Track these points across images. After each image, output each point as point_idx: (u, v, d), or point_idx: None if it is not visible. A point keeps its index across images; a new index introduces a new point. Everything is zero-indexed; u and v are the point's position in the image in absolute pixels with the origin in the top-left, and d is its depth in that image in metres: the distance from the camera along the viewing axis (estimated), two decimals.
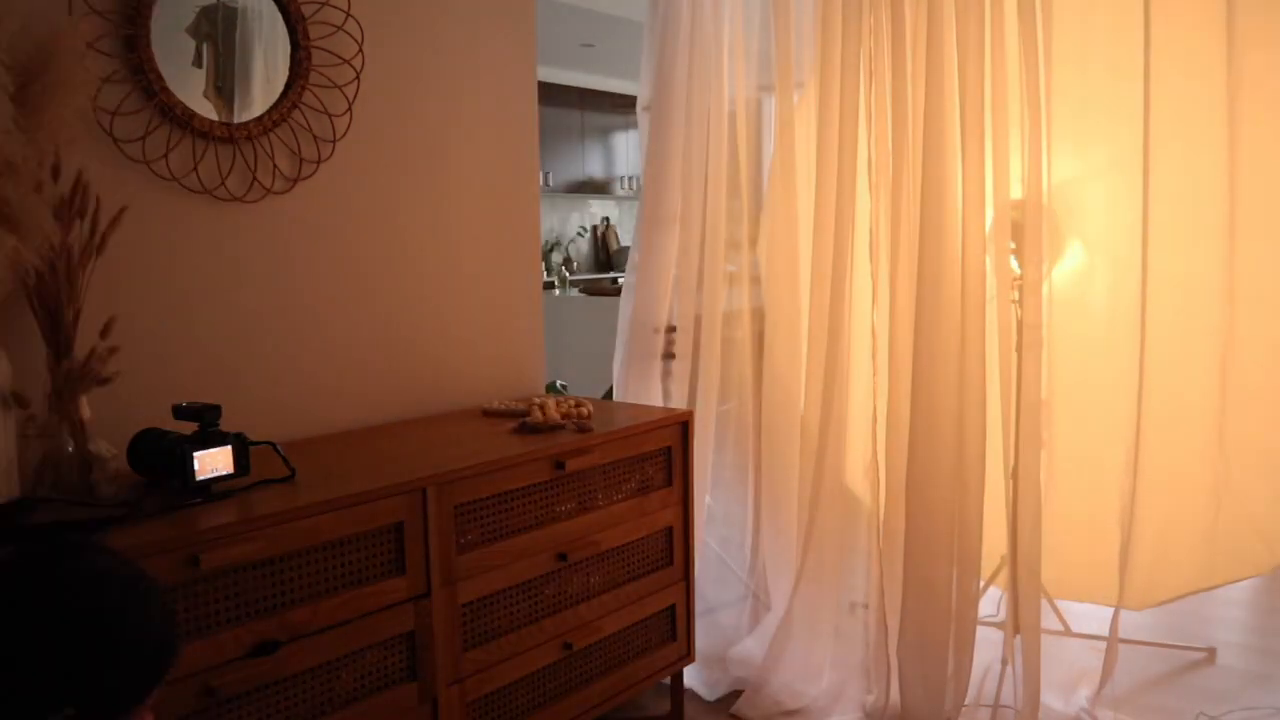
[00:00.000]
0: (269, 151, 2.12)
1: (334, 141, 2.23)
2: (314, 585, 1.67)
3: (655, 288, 2.87)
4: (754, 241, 2.87)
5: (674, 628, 2.44)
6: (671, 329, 2.89)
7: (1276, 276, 2.44)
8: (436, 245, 2.47)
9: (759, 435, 2.85)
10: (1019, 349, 2.35)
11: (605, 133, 8.31)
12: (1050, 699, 2.44)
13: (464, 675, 1.92)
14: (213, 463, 1.69)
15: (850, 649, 2.69)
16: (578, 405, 2.33)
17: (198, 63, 1.99)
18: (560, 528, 2.10)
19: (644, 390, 2.88)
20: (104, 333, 1.74)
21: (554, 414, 2.26)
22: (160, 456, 1.70)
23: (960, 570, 2.37)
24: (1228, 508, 2.53)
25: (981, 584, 2.54)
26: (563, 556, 2.10)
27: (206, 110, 2.00)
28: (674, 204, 2.83)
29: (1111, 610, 2.45)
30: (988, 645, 2.58)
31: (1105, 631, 2.44)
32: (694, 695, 2.65)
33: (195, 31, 1.99)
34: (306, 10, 2.15)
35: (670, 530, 2.40)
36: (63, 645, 1.00)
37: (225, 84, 2.04)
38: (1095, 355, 2.66)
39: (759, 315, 2.86)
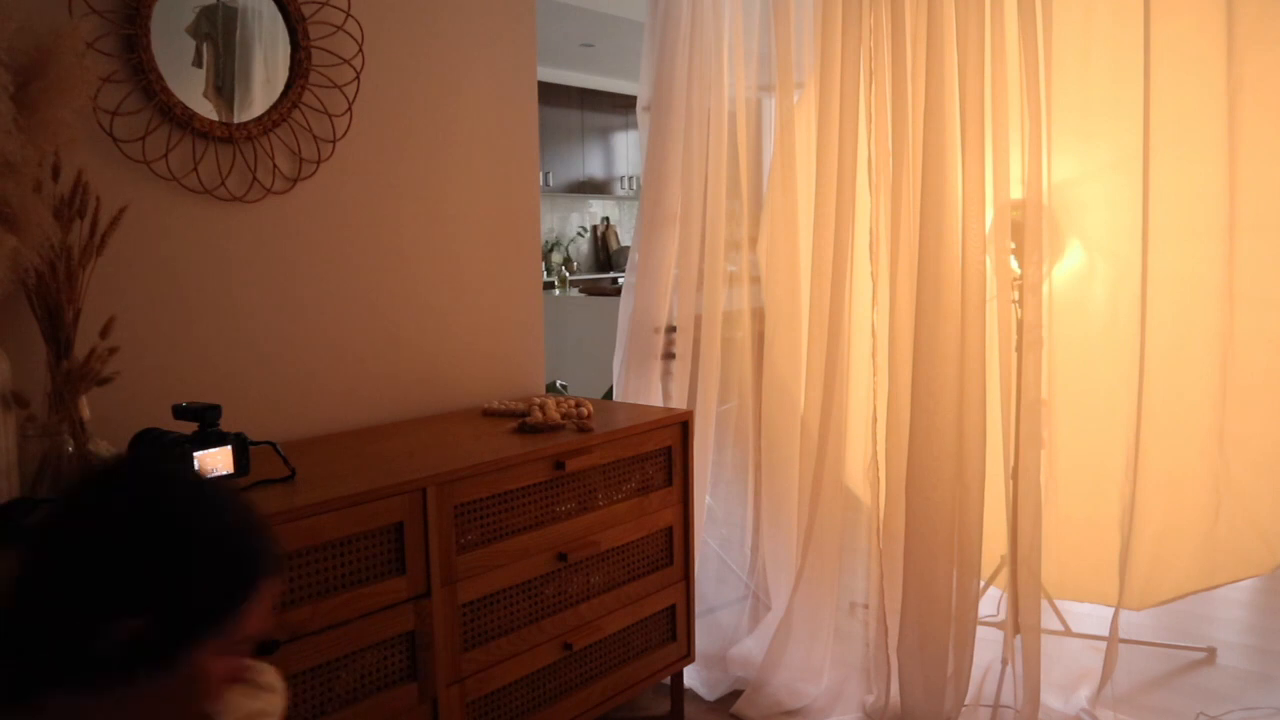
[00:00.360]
0: (269, 151, 2.12)
1: (334, 141, 2.23)
2: (314, 585, 1.67)
3: (655, 288, 2.87)
4: (754, 241, 2.87)
5: (674, 628, 2.44)
6: (671, 329, 2.89)
7: (1276, 276, 2.44)
8: (436, 245, 2.47)
9: (759, 435, 2.85)
10: (1019, 349, 2.35)
11: (605, 133, 8.31)
12: (1050, 699, 2.44)
13: (464, 675, 1.92)
14: (213, 463, 1.69)
15: (850, 649, 2.69)
16: (578, 405, 2.33)
17: (198, 63, 1.99)
18: (560, 528, 2.10)
19: (644, 390, 2.88)
20: (104, 333, 1.74)
21: (554, 414, 2.26)
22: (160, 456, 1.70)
23: (960, 570, 2.37)
24: (1228, 507, 2.53)
25: (981, 584, 2.54)
26: (563, 556, 2.10)
27: (206, 110, 2.00)
28: (674, 204, 2.84)
29: (1111, 610, 2.45)
30: (988, 645, 2.58)
31: (1105, 631, 2.44)
32: (694, 695, 2.65)
33: (195, 31, 1.99)
34: (306, 10, 2.15)
35: (670, 530, 2.40)
36: (142, 548, 0.92)
37: (225, 84, 2.04)
38: (1095, 355, 2.66)
39: (759, 315, 2.86)
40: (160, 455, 1.03)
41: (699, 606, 2.68)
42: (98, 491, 0.97)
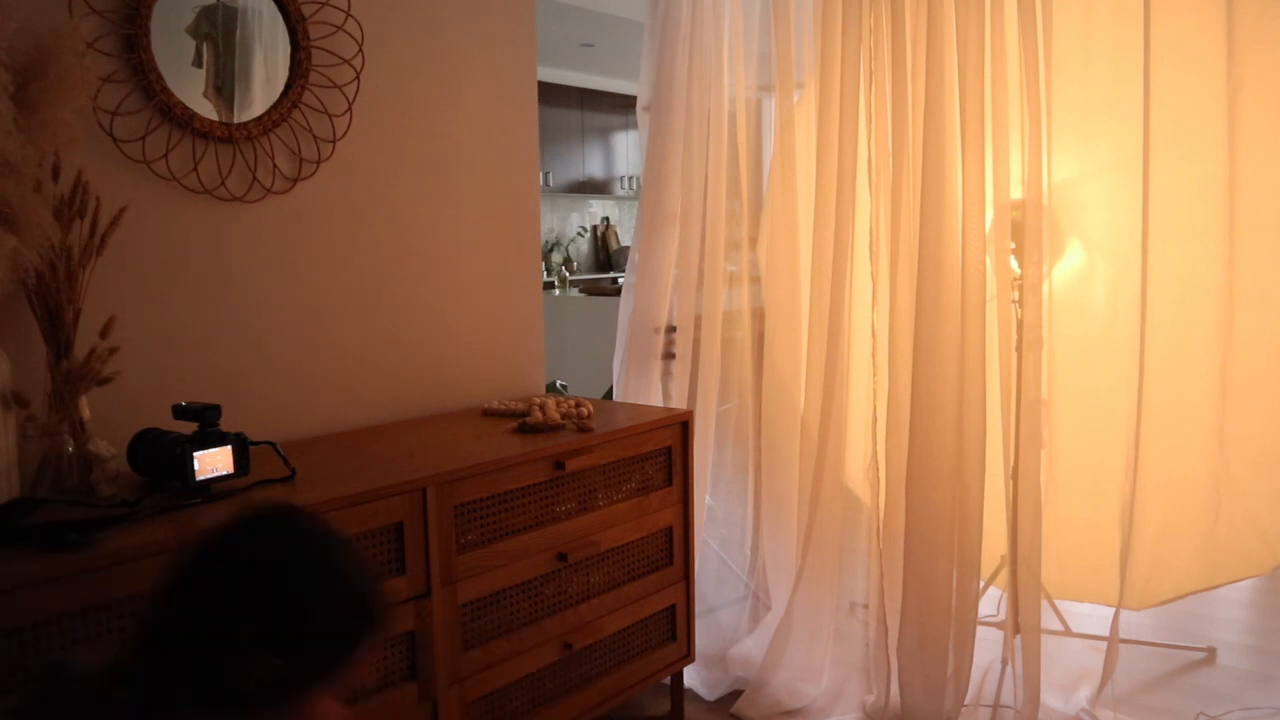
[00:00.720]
0: (269, 151, 2.12)
1: (334, 141, 2.23)
2: None
3: (655, 288, 2.87)
4: (754, 241, 2.87)
5: (674, 628, 2.44)
6: (671, 329, 2.89)
7: (1276, 276, 2.44)
8: (436, 245, 2.47)
9: (759, 435, 2.85)
10: (1019, 349, 2.35)
11: (605, 133, 8.31)
12: (1050, 699, 2.44)
13: (464, 675, 1.92)
14: (213, 463, 1.68)
15: (850, 649, 2.69)
16: (578, 405, 2.33)
17: (198, 63, 1.99)
18: (560, 528, 2.10)
19: (644, 390, 2.88)
20: (104, 333, 1.75)
21: (554, 414, 2.26)
22: (160, 456, 1.70)
23: (960, 570, 2.38)
24: (1228, 507, 2.53)
25: (981, 584, 2.54)
26: (563, 556, 2.10)
27: (206, 110, 2.00)
28: (674, 204, 2.84)
29: (1110, 610, 2.45)
30: (988, 645, 2.58)
31: (1105, 631, 2.44)
32: (694, 695, 2.65)
33: (195, 31, 1.99)
34: (306, 10, 2.15)
35: (670, 530, 2.40)
36: (290, 594, 1.02)
37: (225, 84, 2.04)
38: (1095, 355, 2.66)
39: (759, 315, 2.86)
40: (288, 511, 1.14)
41: (699, 606, 2.68)
42: (248, 539, 1.06)
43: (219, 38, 2.03)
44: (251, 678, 0.99)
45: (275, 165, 2.13)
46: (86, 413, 1.71)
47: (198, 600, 1.02)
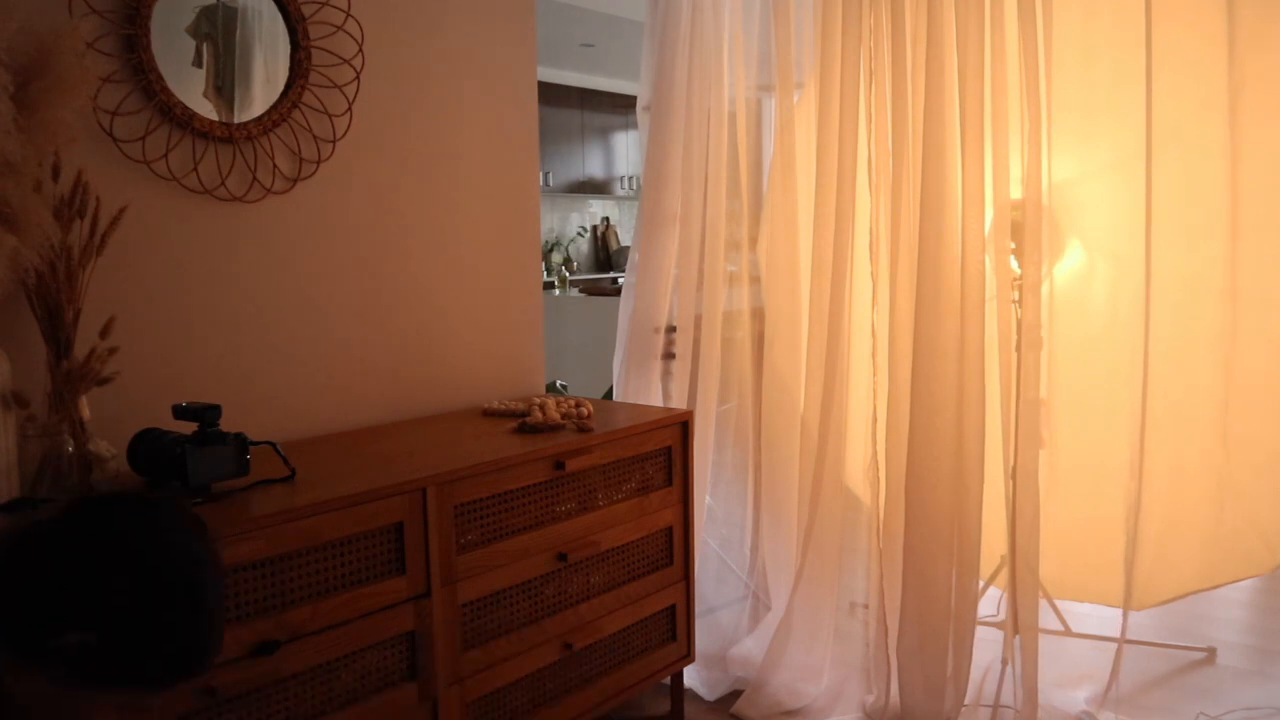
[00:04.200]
0: (269, 151, 2.12)
1: (334, 141, 2.23)
2: (314, 585, 1.67)
3: (655, 288, 2.87)
4: (754, 241, 2.87)
5: (674, 628, 2.44)
6: (671, 329, 2.89)
7: (1278, 277, 2.44)
8: (436, 245, 2.47)
9: (759, 435, 2.85)
10: (1019, 348, 2.35)
11: (605, 133, 8.31)
12: (1050, 699, 2.44)
13: (464, 675, 1.92)
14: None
15: (850, 649, 2.69)
16: (578, 405, 2.33)
17: (198, 63, 1.99)
18: (560, 528, 2.10)
19: (644, 390, 2.88)
20: (104, 333, 1.75)
21: (554, 414, 2.26)
22: (160, 456, 1.70)
23: (960, 570, 2.38)
24: (1230, 508, 2.53)
25: (981, 584, 2.54)
26: (563, 556, 2.10)
27: (206, 110, 2.00)
28: (674, 204, 2.84)
29: (1110, 610, 2.45)
30: (988, 645, 2.58)
31: (1104, 631, 2.44)
32: (694, 695, 2.65)
33: (195, 31, 1.99)
34: (306, 10, 2.15)
35: (670, 530, 2.40)
36: (131, 587, 1.01)
37: (225, 84, 2.04)
38: (1096, 355, 2.66)
39: (759, 315, 2.86)
40: (177, 508, 1.12)
41: (699, 606, 2.68)
42: (107, 518, 1.06)
43: (219, 38, 2.03)
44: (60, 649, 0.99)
45: (275, 165, 2.13)
46: (86, 413, 1.71)
47: (34, 560, 1.02)
